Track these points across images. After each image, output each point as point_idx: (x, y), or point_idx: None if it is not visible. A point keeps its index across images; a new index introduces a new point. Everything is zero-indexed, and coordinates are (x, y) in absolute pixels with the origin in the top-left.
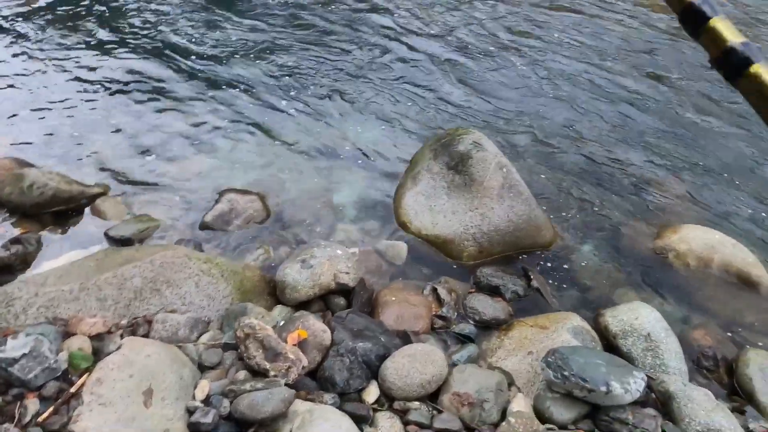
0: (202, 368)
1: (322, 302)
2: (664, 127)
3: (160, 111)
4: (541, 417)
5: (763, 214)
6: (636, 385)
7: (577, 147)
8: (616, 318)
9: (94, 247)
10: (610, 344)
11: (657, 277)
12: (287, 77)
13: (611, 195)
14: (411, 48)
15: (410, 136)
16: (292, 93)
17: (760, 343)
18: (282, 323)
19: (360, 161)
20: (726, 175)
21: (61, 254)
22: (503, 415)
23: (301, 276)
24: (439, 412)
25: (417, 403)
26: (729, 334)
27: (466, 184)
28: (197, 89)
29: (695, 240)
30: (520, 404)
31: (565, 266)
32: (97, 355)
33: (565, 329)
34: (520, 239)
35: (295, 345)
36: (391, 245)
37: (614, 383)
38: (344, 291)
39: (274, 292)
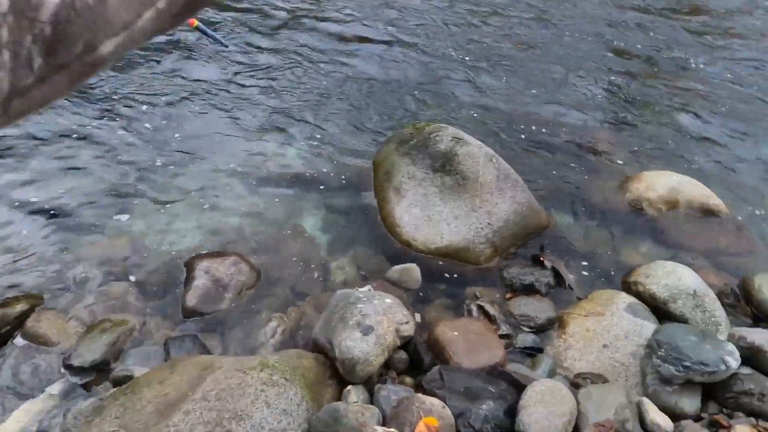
0: None
1: (384, 365)
2: (598, 88)
3: (64, 170)
4: (671, 413)
5: (700, 150)
6: (734, 352)
7: (522, 123)
8: (659, 284)
9: (54, 387)
10: (660, 310)
11: (644, 230)
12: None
13: (569, 162)
14: (342, 52)
15: (354, 141)
16: (216, 123)
17: (749, 267)
18: (378, 416)
19: (310, 182)
20: (664, 120)
21: (5, 413)
22: (644, 429)
23: (368, 345)
24: None
25: None
26: (719, 264)
27: (459, 185)
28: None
29: (660, 186)
30: (652, 410)
31: (568, 243)
32: None
33: (621, 309)
34: (525, 228)
35: None
36: (403, 270)
37: (728, 358)
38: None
39: (335, 372)
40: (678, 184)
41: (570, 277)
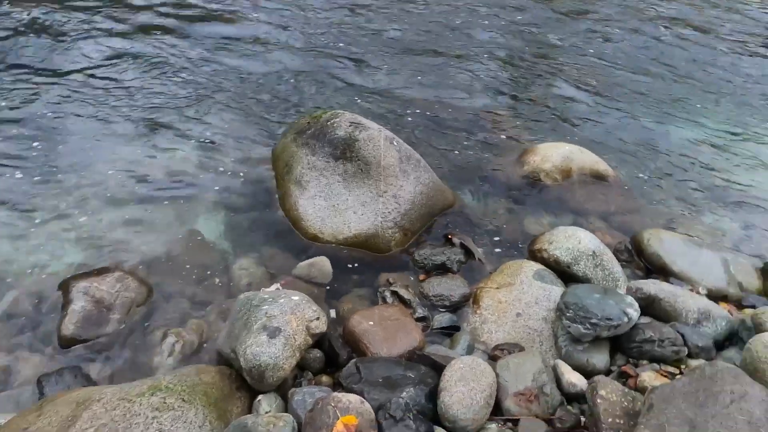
0: None
1: (297, 367)
2: (488, 70)
3: None
4: (584, 371)
5: (585, 120)
6: (634, 304)
7: (419, 107)
8: (562, 248)
9: None
10: (565, 273)
11: (543, 199)
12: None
13: (468, 140)
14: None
15: (249, 135)
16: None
17: (638, 225)
18: (292, 423)
19: (204, 183)
20: (551, 96)
21: None
22: (563, 394)
23: (276, 348)
24: (515, 423)
25: (493, 426)
26: (612, 224)
27: (362, 170)
28: None
29: (553, 156)
30: (567, 371)
31: (474, 218)
32: None
33: (530, 277)
34: (432, 208)
35: None
36: (312, 264)
37: (629, 310)
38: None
39: (244, 383)
40: (570, 153)
41: (479, 251)
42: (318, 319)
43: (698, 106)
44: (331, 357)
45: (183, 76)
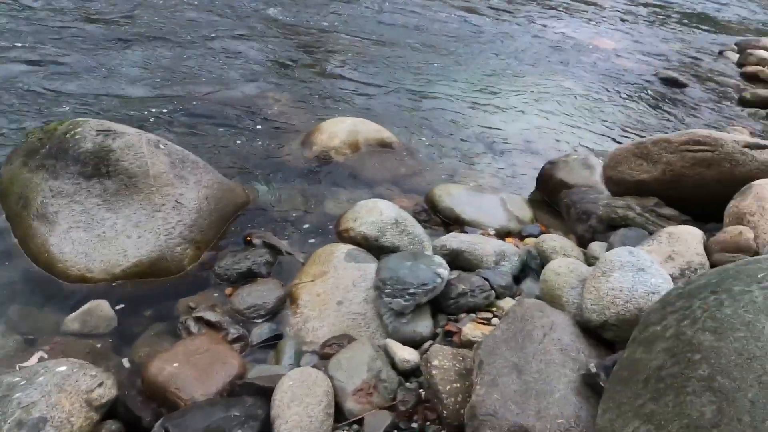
0: None
1: None
2: (260, 56)
3: None
4: (413, 343)
5: (359, 93)
6: (442, 262)
7: (188, 103)
8: (367, 223)
9: None
10: (375, 248)
11: (339, 177)
12: None
13: (250, 130)
14: None
15: None
16: None
17: (428, 184)
18: None
19: None
20: (325, 74)
21: None
22: (400, 374)
23: None
24: (360, 423)
25: None
26: (406, 189)
27: (127, 186)
28: None
29: (339, 132)
30: (397, 348)
31: (274, 212)
32: None
33: (342, 261)
34: (224, 211)
35: None
36: (86, 313)
37: (440, 270)
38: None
39: None
40: (354, 126)
41: (284, 245)
42: (101, 385)
43: (453, 68)
44: (132, 423)
45: None
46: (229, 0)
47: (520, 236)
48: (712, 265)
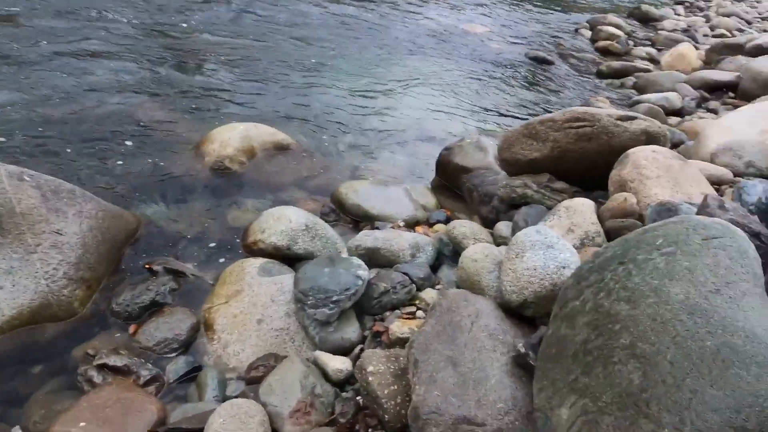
0: None
1: None
2: (123, 67)
3: None
4: (343, 350)
5: (244, 97)
6: (360, 263)
7: (55, 124)
8: (276, 233)
9: None
10: (293, 257)
11: (238, 187)
12: None
13: (133, 148)
14: None
15: None
16: None
17: (332, 183)
18: None
19: None
20: (205, 80)
21: None
22: (334, 385)
23: None
24: None
25: None
26: (310, 191)
27: None
28: None
29: (232, 139)
30: (328, 359)
31: (171, 234)
32: None
33: (256, 276)
34: (113, 241)
35: None
36: None
37: (359, 272)
38: None
39: None
40: (246, 131)
41: (189, 267)
42: None
43: (334, 62)
44: None
45: None
46: (70, 5)
47: (429, 223)
48: (606, 232)
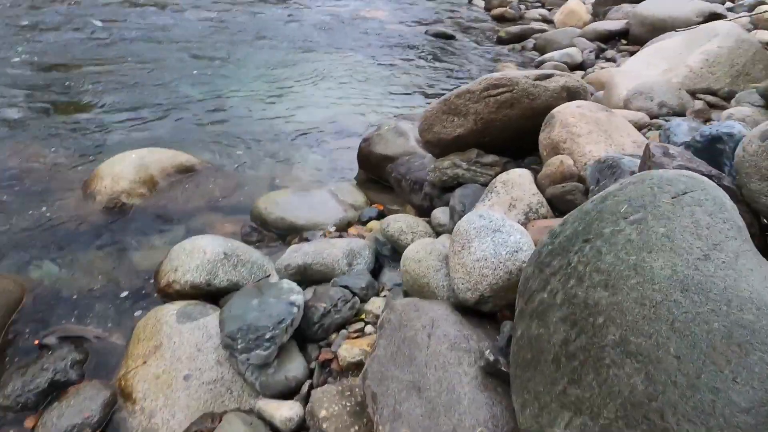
0: None
1: None
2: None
3: None
4: (288, 391)
5: (130, 119)
6: (293, 287)
7: None
8: (191, 269)
9: None
10: (211, 294)
11: (138, 223)
12: None
13: (7, 198)
14: None
15: None
16: None
17: (248, 199)
18: None
19: None
20: (80, 110)
21: None
22: None
23: None
24: None
25: None
26: (225, 212)
27: None
28: None
29: (124, 171)
30: (272, 408)
31: (64, 296)
32: None
33: (174, 324)
34: None
35: None
36: None
37: (293, 297)
38: None
39: None
40: (141, 160)
41: (92, 330)
42: None
43: (229, 69)
44: None
45: None
46: None
47: (361, 222)
48: (549, 201)
